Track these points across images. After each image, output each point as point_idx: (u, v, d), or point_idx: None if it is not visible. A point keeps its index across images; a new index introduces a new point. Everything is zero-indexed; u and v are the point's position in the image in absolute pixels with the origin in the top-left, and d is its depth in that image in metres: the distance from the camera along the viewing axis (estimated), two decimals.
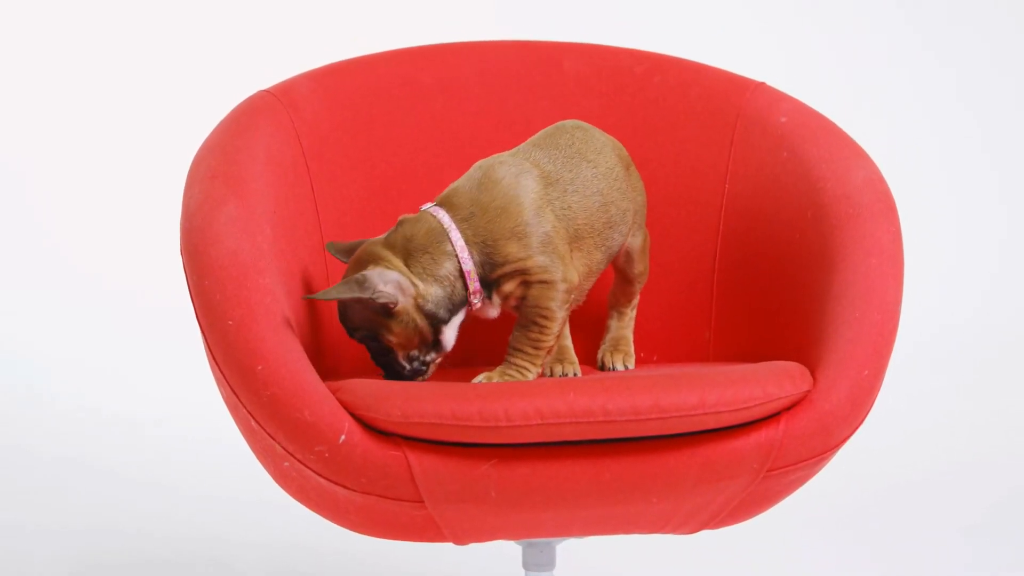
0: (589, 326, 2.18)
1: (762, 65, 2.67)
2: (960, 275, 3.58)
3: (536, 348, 1.87)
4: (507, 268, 1.85)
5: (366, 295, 1.80)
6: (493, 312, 1.91)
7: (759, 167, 2.09)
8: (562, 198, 1.90)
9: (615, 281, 2.12)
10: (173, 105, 3.47)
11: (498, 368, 1.87)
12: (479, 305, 1.88)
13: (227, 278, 1.73)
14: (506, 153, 1.95)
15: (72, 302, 3.41)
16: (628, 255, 2.07)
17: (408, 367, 1.87)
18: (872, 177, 1.93)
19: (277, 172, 1.98)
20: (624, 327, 2.12)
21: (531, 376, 1.87)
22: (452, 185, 1.91)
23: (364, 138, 2.16)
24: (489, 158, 1.93)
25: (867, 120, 3.18)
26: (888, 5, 3.69)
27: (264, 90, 2.10)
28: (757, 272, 2.07)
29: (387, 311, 1.83)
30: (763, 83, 2.17)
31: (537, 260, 1.84)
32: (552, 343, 1.88)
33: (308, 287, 1.97)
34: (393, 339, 1.85)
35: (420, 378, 1.88)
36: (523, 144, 1.98)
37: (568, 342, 2.07)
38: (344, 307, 1.86)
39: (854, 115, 2.55)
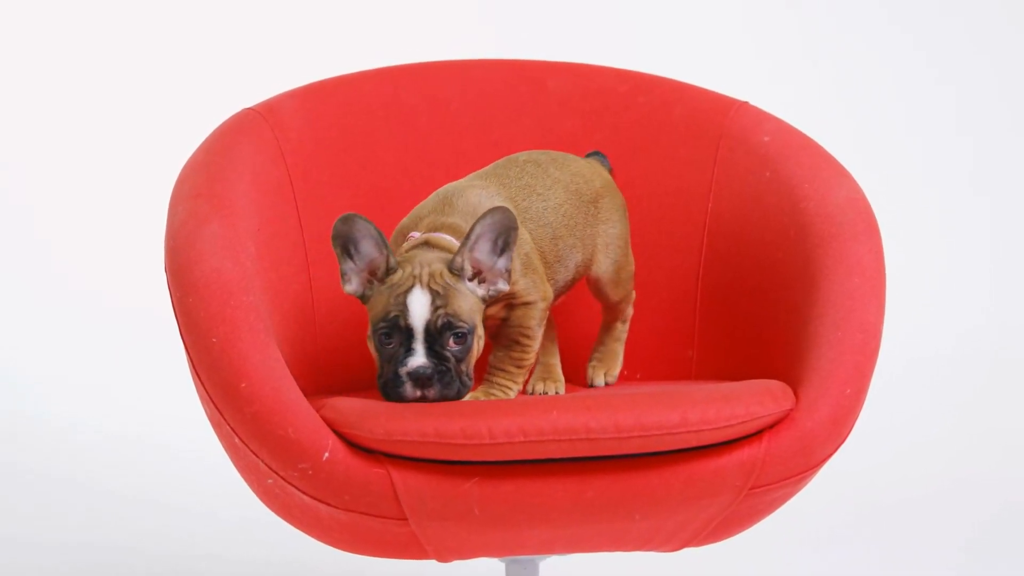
0: (577, 344, 2.19)
1: (745, 84, 2.68)
2: (950, 294, 3.59)
3: (518, 367, 1.87)
4: None
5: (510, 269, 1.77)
6: None
7: (742, 186, 2.10)
8: (523, 224, 1.90)
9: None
10: (158, 123, 3.46)
11: (480, 387, 1.87)
12: None
13: (211, 296, 1.73)
14: (463, 180, 1.94)
15: (61, 320, 3.41)
16: (597, 285, 2.05)
17: (470, 383, 1.78)
18: (854, 196, 1.94)
19: (262, 190, 1.98)
20: (613, 339, 2.11)
21: (513, 394, 1.87)
22: (421, 213, 1.87)
23: (349, 156, 2.16)
24: (450, 186, 1.91)
25: (850, 139, 3.19)
26: (872, 24, 3.71)
27: (249, 108, 2.10)
28: (740, 290, 2.07)
29: (484, 304, 1.79)
30: (746, 102, 2.18)
31: (522, 283, 1.85)
32: (533, 360, 1.88)
33: (292, 305, 1.97)
34: (477, 343, 1.78)
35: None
36: (469, 175, 1.97)
37: (555, 359, 2.07)
38: (458, 293, 1.76)
39: (837, 135, 2.56)
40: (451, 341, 1.74)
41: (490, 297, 1.79)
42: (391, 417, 1.66)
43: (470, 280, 1.77)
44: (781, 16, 3.68)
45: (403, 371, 1.74)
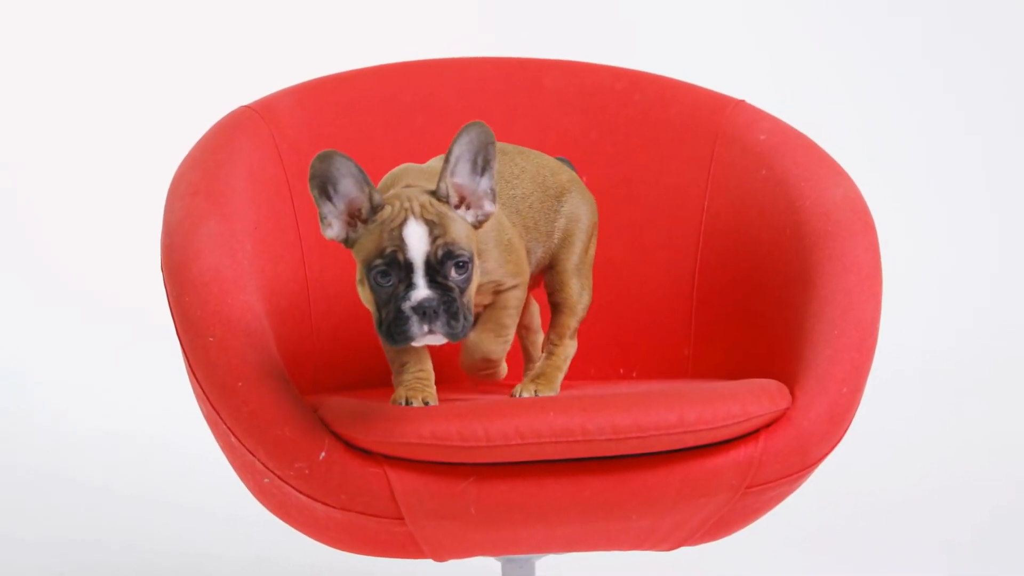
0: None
1: (742, 82, 2.68)
2: (946, 295, 3.59)
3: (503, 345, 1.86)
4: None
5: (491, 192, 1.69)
6: None
7: (738, 184, 2.10)
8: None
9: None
10: (155, 121, 3.46)
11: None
12: None
13: (207, 294, 1.73)
14: (429, 162, 1.86)
15: (57, 319, 3.41)
16: (557, 279, 1.95)
17: (471, 317, 1.68)
18: (851, 195, 1.94)
19: (258, 188, 1.98)
20: (551, 366, 1.93)
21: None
22: (392, 183, 1.77)
23: (345, 153, 2.15)
24: (415, 164, 1.83)
25: (847, 137, 3.19)
26: (870, 20, 3.71)
27: (245, 105, 2.10)
28: (736, 289, 2.07)
29: (475, 230, 1.71)
30: (743, 100, 2.18)
31: (504, 270, 1.81)
32: (511, 340, 1.86)
33: (289, 303, 1.97)
34: (476, 272, 1.69)
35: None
36: (432, 159, 1.89)
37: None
38: (452, 221, 1.67)
39: (834, 133, 2.56)
40: (453, 271, 1.65)
41: (478, 223, 1.71)
42: (387, 419, 1.66)
43: (456, 207, 1.70)
44: (778, 14, 3.68)
45: (407, 306, 1.63)
